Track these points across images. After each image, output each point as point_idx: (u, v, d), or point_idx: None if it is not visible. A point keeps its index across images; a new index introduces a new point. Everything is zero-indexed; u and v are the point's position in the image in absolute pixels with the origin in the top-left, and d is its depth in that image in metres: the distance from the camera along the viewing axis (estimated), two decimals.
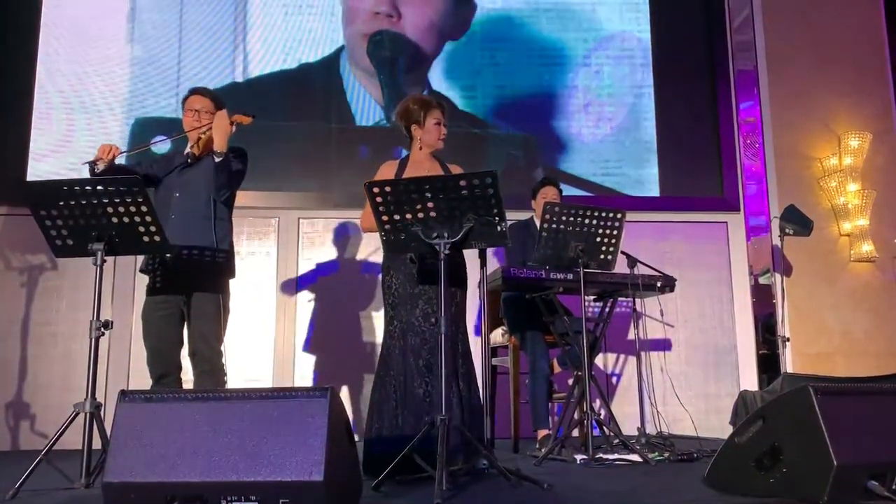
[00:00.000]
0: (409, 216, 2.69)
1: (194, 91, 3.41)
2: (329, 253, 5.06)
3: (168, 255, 3.05)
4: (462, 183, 2.64)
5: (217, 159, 3.13)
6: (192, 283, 3.15)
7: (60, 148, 5.02)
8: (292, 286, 4.98)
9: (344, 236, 5.06)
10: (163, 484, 1.98)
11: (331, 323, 4.95)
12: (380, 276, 3.19)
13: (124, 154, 3.14)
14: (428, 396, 2.91)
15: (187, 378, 3.25)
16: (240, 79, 5.22)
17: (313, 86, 5.26)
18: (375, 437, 2.95)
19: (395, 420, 2.94)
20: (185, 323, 3.20)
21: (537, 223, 4.15)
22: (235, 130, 3.20)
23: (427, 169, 3.15)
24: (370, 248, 5.00)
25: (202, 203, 3.20)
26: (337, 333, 4.93)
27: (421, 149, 3.25)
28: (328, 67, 5.29)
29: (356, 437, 2.37)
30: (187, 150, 3.29)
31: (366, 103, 5.28)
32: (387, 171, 3.21)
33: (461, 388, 2.99)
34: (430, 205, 2.66)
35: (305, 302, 4.98)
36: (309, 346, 4.92)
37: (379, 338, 4.77)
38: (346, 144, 5.20)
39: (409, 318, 3.03)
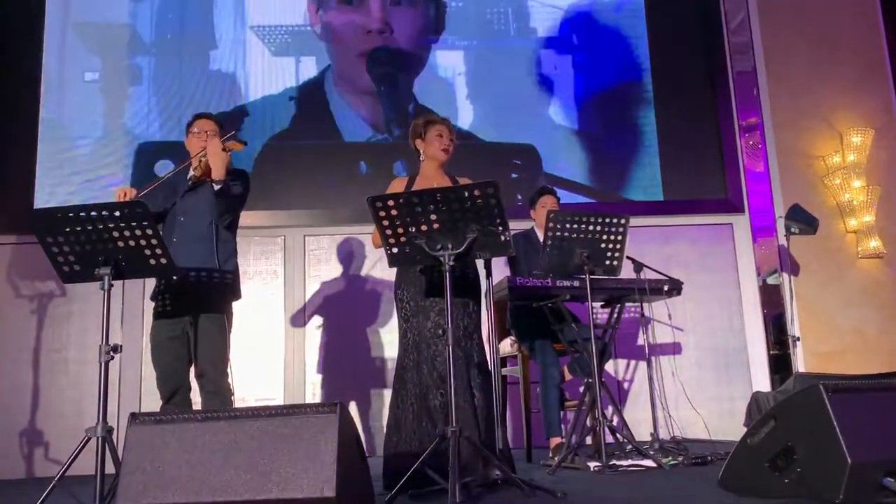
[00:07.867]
0: (412, 229, 2.70)
1: (199, 116, 3.44)
2: (336, 269, 5.06)
3: (174, 277, 3.06)
4: (465, 194, 2.65)
5: (216, 187, 3.14)
6: (196, 304, 3.16)
7: (66, 175, 5.05)
8: (300, 304, 4.99)
9: (350, 252, 5.07)
10: None
11: (340, 339, 4.94)
12: (387, 291, 3.19)
13: (141, 194, 3.10)
14: (444, 407, 2.91)
15: (196, 398, 3.26)
16: (240, 101, 5.26)
17: (308, 106, 5.30)
18: (394, 452, 2.96)
19: (413, 432, 2.96)
20: (192, 344, 3.20)
21: (538, 232, 4.16)
22: (230, 157, 3.19)
23: (437, 182, 3.15)
24: (377, 264, 5.01)
25: (204, 227, 3.22)
26: (346, 349, 4.92)
27: (424, 161, 3.29)
28: (320, 87, 5.33)
29: (373, 453, 2.37)
30: (190, 173, 3.30)
31: (359, 120, 5.30)
32: (397, 186, 3.23)
33: (476, 399, 2.99)
34: (433, 217, 2.67)
35: (314, 319, 4.99)
36: (319, 363, 4.92)
37: (388, 352, 4.79)
38: (347, 161, 5.22)
39: (422, 330, 3.05)
